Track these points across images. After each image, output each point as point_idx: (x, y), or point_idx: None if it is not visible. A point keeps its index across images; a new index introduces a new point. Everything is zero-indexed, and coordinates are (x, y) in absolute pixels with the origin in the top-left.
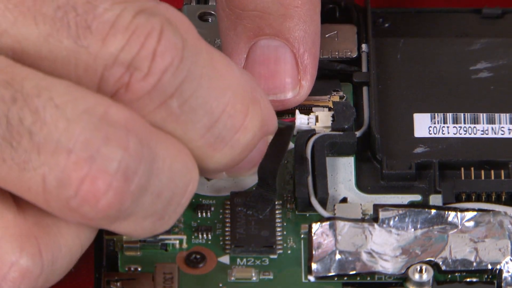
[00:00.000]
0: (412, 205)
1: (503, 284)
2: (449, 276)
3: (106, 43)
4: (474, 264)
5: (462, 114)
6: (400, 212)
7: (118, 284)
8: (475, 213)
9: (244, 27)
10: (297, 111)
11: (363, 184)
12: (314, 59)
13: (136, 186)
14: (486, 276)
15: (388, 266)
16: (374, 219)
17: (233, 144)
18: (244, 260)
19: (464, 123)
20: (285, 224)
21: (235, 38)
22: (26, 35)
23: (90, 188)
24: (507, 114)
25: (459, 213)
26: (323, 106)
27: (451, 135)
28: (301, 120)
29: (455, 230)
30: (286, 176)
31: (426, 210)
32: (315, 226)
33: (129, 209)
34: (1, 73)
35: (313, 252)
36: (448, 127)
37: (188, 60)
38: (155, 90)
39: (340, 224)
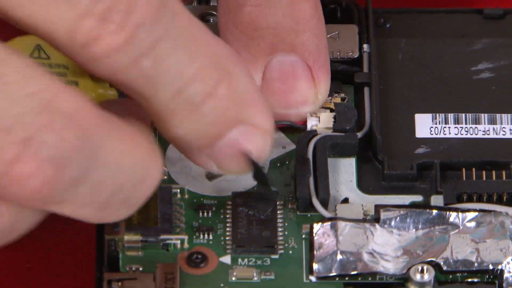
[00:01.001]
0: (413, 205)
1: (504, 285)
2: (450, 276)
3: None
4: (476, 264)
5: (463, 114)
6: (402, 212)
7: (119, 284)
8: (476, 213)
9: (258, 46)
10: (308, 114)
11: (364, 185)
12: (328, 73)
13: (68, 177)
14: (487, 277)
15: (390, 266)
16: (376, 219)
17: (203, 111)
18: (246, 260)
19: (466, 123)
20: (286, 224)
21: (249, 57)
22: None
23: (20, 169)
24: (509, 115)
25: (460, 214)
26: (325, 108)
27: (452, 135)
28: (312, 123)
29: (457, 230)
30: (288, 176)
31: (428, 210)
32: (317, 227)
33: (60, 196)
34: None
35: (315, 252)
36: (449, 127)
37: (165, 19)
38: (127, 45)
39: (341, 224)
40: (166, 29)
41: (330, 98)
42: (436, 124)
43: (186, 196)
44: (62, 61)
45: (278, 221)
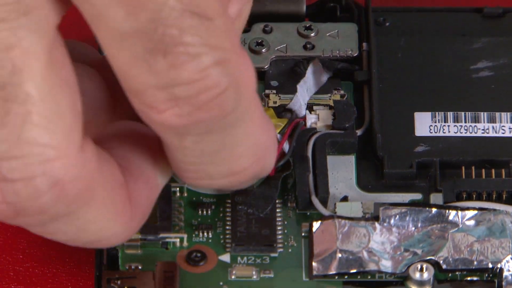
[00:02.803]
0: (413, 203)
1: (503, 283)
2: (450, 275)
3: (176, 68)
4: (475, 263)
5: (463, 113)
6: (401, 210)
7: (119, 282)
8: (475, 212)
9: None
10: (307, 111)
11: (364, 183)
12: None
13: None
14: (486, 275)
15: (389, 264)
16: (375, 217)
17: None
18: (245, 258)
19: (465, 122)
20: (285, 222)
21: None
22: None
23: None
24: (508, 113)
25: (459, 212)
26: (324, 105)
27: (451, 134)
28: (312, 120)
29: (456, 229)
30: (287, 174)
31: (427, 209)
32: (316, 225)
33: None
34: None
35: (314, 251)
36: (449, 126)
37: (225, 125)
38: (178, 128)
39: (341, 222)
40: (220, 128)
41: (329, 95)
42: (435, 122)
43: (185, 195)
44: None
45: (278, 219)
